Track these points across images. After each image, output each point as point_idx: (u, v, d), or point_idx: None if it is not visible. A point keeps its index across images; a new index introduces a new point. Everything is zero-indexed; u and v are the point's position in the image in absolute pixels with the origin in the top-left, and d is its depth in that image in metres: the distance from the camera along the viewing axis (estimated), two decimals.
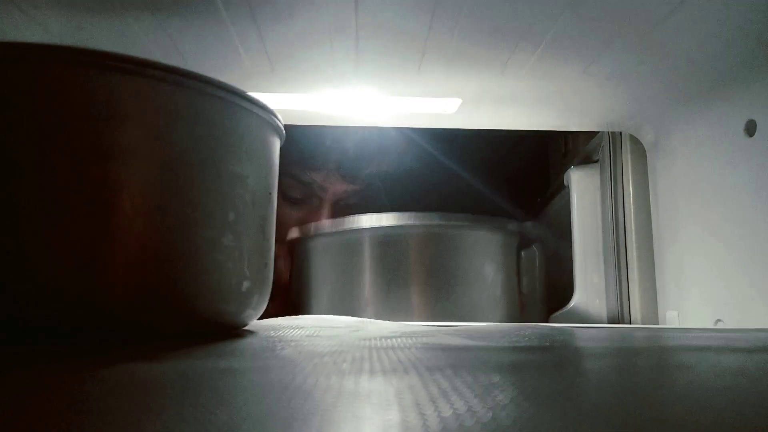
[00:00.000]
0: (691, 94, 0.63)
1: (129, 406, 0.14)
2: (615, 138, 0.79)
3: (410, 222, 0.76)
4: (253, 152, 0.34)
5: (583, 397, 0.16)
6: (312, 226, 0.80)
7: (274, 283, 0.38)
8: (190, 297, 0.30)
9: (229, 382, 0.17)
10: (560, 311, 0.82)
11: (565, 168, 0.91)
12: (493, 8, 0.48)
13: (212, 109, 0.32)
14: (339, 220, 0.77)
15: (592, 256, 0.81)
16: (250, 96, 0.33)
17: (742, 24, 0.49)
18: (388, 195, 1.01)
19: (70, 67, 0.28)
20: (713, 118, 0.61)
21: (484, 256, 0.85)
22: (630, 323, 0.74)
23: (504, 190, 1.26)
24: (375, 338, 0.31)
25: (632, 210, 0.75)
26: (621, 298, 0.76)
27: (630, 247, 0.75)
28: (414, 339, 0.30)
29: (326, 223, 0.81)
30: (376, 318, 0.63)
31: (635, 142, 0.76)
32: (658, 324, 0.71)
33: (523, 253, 1.26)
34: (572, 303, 0.81)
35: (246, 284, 0.33)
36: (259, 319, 0.41)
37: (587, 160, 0.87)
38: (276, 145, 0.38)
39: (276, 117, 0.36)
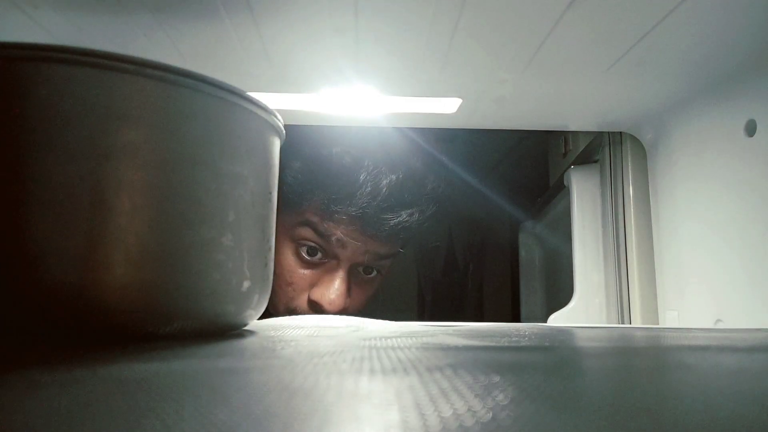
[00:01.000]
0: (691, 94, 0.63)
1: (129, 406, 0.14)
2: (615, 138, 0.79)
3: None
4: (253, 152, 0.34)
5: (583, 397, 0.16)
6: None
7: None
8: (190, 297, 0.30)
9: (229, 382, 0.17)
10: (560, 311, 0.81)
11: (565, 168, 0.91)
12: (494, 7, 0.48)
13: (212, 109, 0.32)
14: None
15: (592, 256, 0.81)
16: (250, 96, 0.33)
17: (742, 24, 0.49)
18: None
19: (70, 67, 0.28)
20: (713, 118, 0.61)
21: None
22: (630, 323, 0.74)
23: (504, 190, 1.26)
24: (375, 338, 0.31)
25: (632, 210, 0.75)
26: (621, 298, 0.76)
27: (630, 247, 0.75)
28: (414, 339, 0.30)
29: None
30: None
31: (635, 142, 0.76)
32: (658, 324, 0.71)
33: (523, 253, 1.26)
34: (572, 303, 0.81)
35: (246, 284, 0.33)
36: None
37: (587, 160, 0.87)
38: (276, 145, 0.38)
39: (276, 117, 0.36)
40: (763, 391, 0.17)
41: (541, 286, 1.23)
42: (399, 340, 0.30)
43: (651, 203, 0.74)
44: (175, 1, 0.47)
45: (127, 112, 0.29)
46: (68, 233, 0.27)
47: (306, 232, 0.75)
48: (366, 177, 0.74)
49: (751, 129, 0.55)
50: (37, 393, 0.15)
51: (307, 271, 0.77)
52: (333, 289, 0.76)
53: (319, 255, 0.76)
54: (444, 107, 0.69)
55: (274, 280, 0.39)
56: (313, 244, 0.76)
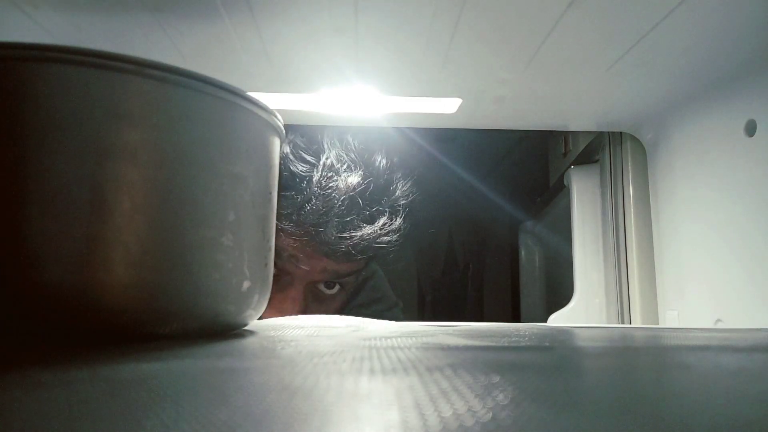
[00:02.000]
0: (691, 94, 0.63)
1: (129, 406, 0.14)
2: (615, 138, 0.79)
3: None
4: (253, 152, 0.34)
5: (583, 397, 0.16)
6: None
7: None
8: (190, 297, 0.30)
9: (229, 382, 0.17)
10: (560, 311, 0.81)
11: (565, 168, 0.91)
12: (494, 7, 0.48)
13: (212, 109, 0.32)
14: None
15: (592, 256, 0.81)
16: (250, 96, 0.33)
17: (742, 24, 0.49)
18: None
19: (70, 67, 0.28)
20: (713, 118, 0.61)
21: None
22: (630, 323, 0.74)
23: (504, 190, 1.26)
24: (375, 338, 0.31)
25: (632, 210, 0.75)
26: (621, 298, 0.76)
27: (630, 247, 0.75)
28: (414, 339, 0.30)
29: None
30: None
31: (635, 142, 0.76)
32: (658, 324, 0.71)
33: (523, 253, 1.26)
34: (572, 303, 0.81)
35: (246, 284, 0.33)
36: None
37: (587, 160, 0.87)
38: (276, 145, 0.38)
39: (276, 117, 0.36)
40: (763, 391, 0.17)
41: (541, 286, 1.23)
42: (399, 340, 0.30)
43: (651, 203, 0.74)
44: (175, 1, 0.47)
45: (127, 112, 0.29)
46: (68, 233, 0.27)
47: None
48: (316, 188, 0.63)
49: (751, 129, 0.55)
50: (37, 393, 0.15)
51: None
52: (285, 308, 0.67)
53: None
54: (444, 107, 0.69)
55: None
56: None
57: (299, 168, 0.65)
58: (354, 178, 0.65)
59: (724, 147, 0.58)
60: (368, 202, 0.66)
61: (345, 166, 0.67)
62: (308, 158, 0.66)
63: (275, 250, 0.65)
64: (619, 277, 0.76)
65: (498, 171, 1.33)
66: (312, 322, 0.50)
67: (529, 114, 0.72)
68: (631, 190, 0.76)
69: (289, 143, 0.68)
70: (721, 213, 0.59)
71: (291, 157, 0.66)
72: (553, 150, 1.05)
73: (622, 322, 0.76)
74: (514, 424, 0.12)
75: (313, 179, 0.63)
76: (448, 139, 1.12)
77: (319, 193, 0.63)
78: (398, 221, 0.70)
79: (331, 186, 0.63)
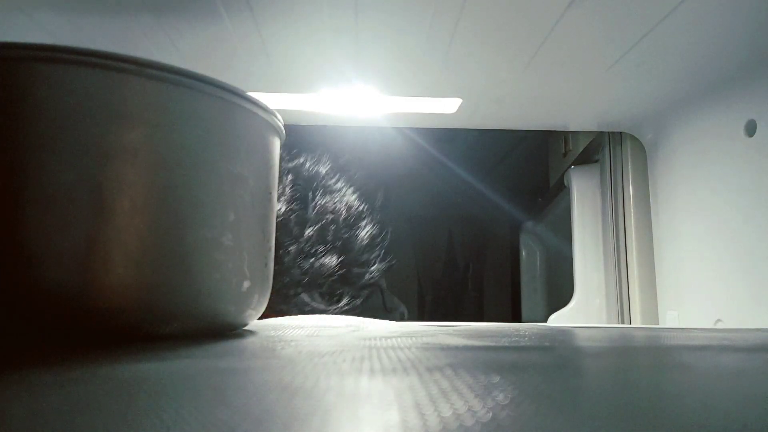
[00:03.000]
0: (691, 94, 0.63)
1: (129, 406, 0.14)
2: (615, 138, 0.79)
3: None
4: (253, 152, 0.34)
5: (583, 397, 0.16)
6: None
7: None
8: (190, 297, 0.30)
9: (229, 382, 0.17)
10: (560, 311, 0.81)
11: (565, 168, 0.91)
12: (494, 7, 0.48)
13: (212, 109, 0.32)
14: None
15: (592, 256, 0.81)
16: (250, 96, 0.33)
17: (742, 24, 0.49)
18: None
19: (71, 67, 0.28)
20: (713, 118, 0.61)
21: None
22: (630, 323, 0.74)
23: (504, 190, 1.26)
24: (375, 338, 0.31)
25: (632, 210, 0.75)
26: (621, 298, 0.76)
27: (630, 247, 0.75)
28: (414, 339, 0.30)
29: None
30: None
31: (635, 142, 0.76)
32: (658, 324, 0.71)
33: (524, 253, 1.26)
34: (572, 303, 0.81)
35: (246, 284, 0.33)
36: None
37: (587, 160, 0.87)
38: (276, 145, 0.38)
39: (276, 117, 0.36)
40: (763, 391, 0.17)
41: (541, 286, 1.24)
42: (399, 340, 0.30)
43: (651, 203, 0.74)
44: (175, 1, 0.47)
45: (127, 112, 0.29)
46: (68, 233, 0.27)
47: None
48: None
49: (751, 129, 0.55)
50: (37, 393, 0.15)
51: None
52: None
53: None
54: (444, 107, 0.69)
55: None
56: None
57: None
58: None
59: (724, 147, 0.58)
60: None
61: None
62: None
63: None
64: (619, 277, 0.76)
65: (498, 171, 1.33)
66: (312, 322, 0.50)
67: (529, 114, 0.72)
68: (631, 190, 0.76)
69: None
70: (721, 213, 0.59)
71: None
72: (553, 150, 1.05)
73: (622, 322, 0.76)
74: (514, 424, 0.12)
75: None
76: (448, 139, 1.12)
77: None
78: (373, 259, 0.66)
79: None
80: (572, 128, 0.78)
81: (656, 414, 0.13)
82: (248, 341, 0.30)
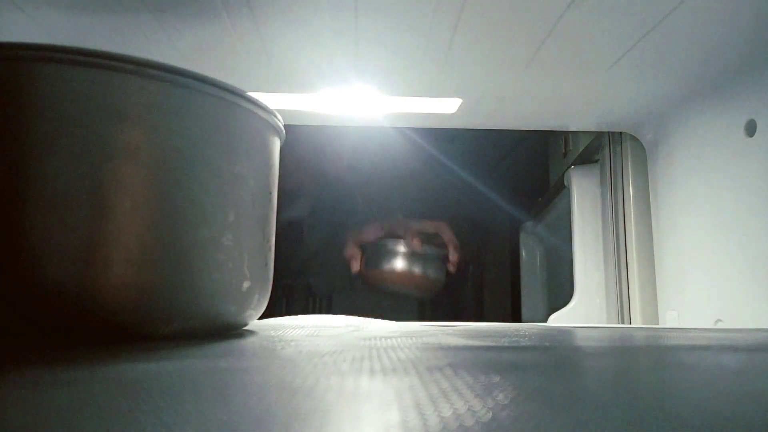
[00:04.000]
0: (691, 94, 0.63)
1: (129, 406, 0.14)
2: (615, 138, 0.79)
3: None
4: (253, 152, 0.34)
5: (584, 397, 0.16)
6: None
7: None
8: (190, 297, 0.30)
9: (230, 382, 0.17)
10: (560, 311, 0.81)
11: (565, 168, 0.91)
12: (494, 8, 0.48)
13: (212, 109, 0.32)
14: None
15: (592, 256, 0.81)
16: (250, 96, 0.33)
17: (742, 24, 0.49)
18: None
19: (70, 67, 0.28)
20: (713, 118, 0.61)
21: None
22: (630, 323, 0.74)
23: (504, 190, 1.26)
24: (375, 338, 0.31)
25: (632, 210, 0.75)
26: (621, 298, 0.76)
27: (630, 247, 0.75)
28: (414, 339, 0.30)
29: None
30: None
31: (635, 142, 0.76)
32: (658, 324, 0.71)
33: (524, 253, 1.26)
34: (572, 303, 0.81)
35: (246, 284, 0.33)
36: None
37: (587, 160, 0.87)
38: (276, 145, 0.38)
39: (276, 117, 0.36)
40: (763, 391, 0.17)
41: (541, 286, 1.24)
42: (399, 340, 0.30)
43: (651, 203, 0.74)
44: (175, 1, 0.47)
45: (127, 112, 0.29)
46: (68, 233, 0.27)
47: None
48: None
49: (751, 129, 0.55)
50: (37, 392, 0.15)
51: None
52: None
53: None
54: (444, 107, 0.69)
55: None
56: None
57: None
58: None
59: (724, 147, 0.58)
60: None
61: None
62: None
63: None
64: (619, 277, 0.76)
65: (498, 171, 1.33)
66: (312, 322, 0.50)
67: (529, 114, 0.72)
68: (631, 190, 0.76)
69: None
70: (721, 213, 0.59)
71: None
72: (553, 150, 1.05)
73: (622, 322, 0.76)
74: (514, 424, 0.12)
75: None
76: (449, 139, 1.12)
77: None
78: None
79: None
80: (572, 128, 0.78)
81: (656, 414, 0.13)
82: (248, 341, 0.30)
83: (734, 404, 0.15)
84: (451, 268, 1.00)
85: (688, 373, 0.21)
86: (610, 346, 0.30)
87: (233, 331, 0.35)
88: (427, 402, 0.14)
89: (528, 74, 0.60)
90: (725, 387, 0.17)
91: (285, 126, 0.39)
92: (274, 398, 0.14)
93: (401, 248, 1.00)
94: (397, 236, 0.98)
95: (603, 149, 0.81)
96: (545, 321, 0.82)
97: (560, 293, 0.98)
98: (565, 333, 0.38)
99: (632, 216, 0.75)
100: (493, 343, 0.29)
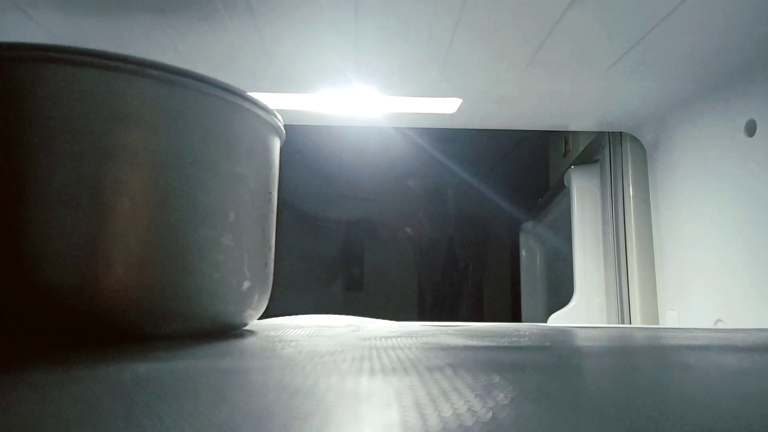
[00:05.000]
0: (692, 94, 0.63)
1: (129, 406, 0.14)
2: (615, 138, 0.79)
3: None
4: (253, 152, 0.34)
5: (583, 397, 0.16)
6: None
7: None
8: (190, 297, 0.30)
9: (230, 382, 0.17)
10: (560, 311, 0.81)
11: (565, 168, 0.91)
12: (494, 8, 0.48)
13: (212, 109, 0.32)
14: None
15: (592, 256, 0.81)
16: (250, 96, 0.33)
17: (742, 24, 0.49)
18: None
19: (71, 67, 0.28)
20: (713, 118, 0.61)
21: None
22: (630, 323, 0.74)
23: (504, 190, 1.26)
24: (375, 338, 0.31)
25: (632, 210, 0.75)
26: (621, 298, 0.76)
27: (630, 247, 0.75)
28: (414, 339, 0.30)
29: None
30: None
31: (635, 142, 0.76)
32: (658, 324, 0.71)
33: (524, 253, 1.26)
34: (572, 303, 0.81)
35: (246, 284, 0.33)
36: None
37: (587, 160, 0.87)
38: (276, 145, 0.38)
39: (276, 117, 0.36)
40: (763, 391, 0.17)
41: (541, 286, 1.23)
42: (399, 340, 0.30)
43: (651, 203, 0.74)
44: (175, 1, 0.47)
45: (127, 112, 0.29)
46: (68, 234, 0.27)
47: None
48: None
49: (751, 129, 0.55)
50: (37, 393, 0.15)
51: None
52: None
53: None
54: (444, 107, 0.69)
55: None
56: None
57: None
58: None
59: (724, 147, 0.58)
60: None
61: None
62: None
63: None
64: (619, 277, 0.76)
65: (498, 171, 1.33)
66: (312, 322, 0.50)
67: (529, 114, 0.72)
68: (631, 190, 0.76)
69: None
70: (721, 213, 0.59)
71: None
72: (553, 150, 1.05)
73: (622, 322, 0.76)
74: (514, 424, 0.12)
75: None
76: (449, 139, 1.12)
77: None
78: None
79: None
80: (572, 128, 0.78)
81: (656, 414, 0.13)
82: (248, 341, 0.30)
83: (734, 404, 0.15)
84: None
85: (688, 373, 0.21)
86: (610, 346, 0.30)
87: (233, 331, 0.35)
88: (427, 402, 0.14)
89: (528, 75, 0.60)
90: (725, 387, 0.17)
91: (285, 126, 0.39)
92: (274, 398, 0.14)
93: None
94: None
95: (603, 149, 0.81)
96: (545, 321, 0.82)
97: (560, 293, 0.98)
98: (565, 333, 0.38)
99: (632, 216, 0.75)
100: (493, 343, 0.29)
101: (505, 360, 0.23)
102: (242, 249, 0.33)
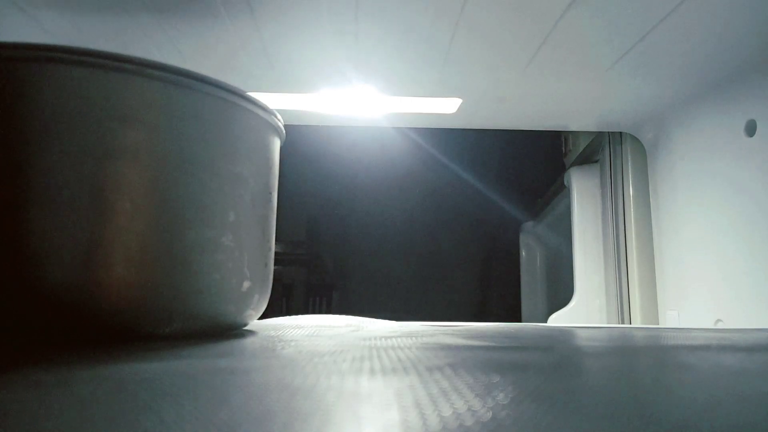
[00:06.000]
0: (691, 94, 0.63)
1: (129, 405, 0.14)
2: (615, 138, 0.79)
3: None
4: (253, 152, 0.34)
5: (583, 397, 0.16)
6: None
7: None
8: (190, 297, 0.30)
9: (230, 382, 0.17)
10: (560, 311, 0.81)
11: (565, 168, 0.91)
12: (494, 8, 0.48)
13: (212, 109, 0.32)
14: None
15: (592, 256, 0.81)
16: (250, 96, 0.33)
17: (742, 25, 0.49)
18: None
19: (71, 67, 0.28)
20: (713, 118, 0.61)
21: None
22: (630, 323, 0.74)
23: (504, 190, 1.26)
24: (375, 338, 0.31)
25: (632, 210, 0.75)
26: (621, 298, 0.76)
27: (630, 247, 0.75)
28: (414, 339, 0.30)
29: None
30: None
31: (635, 142, 0.76)
32: (658, 324, 0.71)
33: (524, 253, 1.26)
34: (572, 303, 0.81)
35: (246, 284, 0.33)
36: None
37: (587, 160, 0.87)
38: (276, 145, 0.38)
39: (276, 117, 0.36)
40: (763, 391, 0.17)
41: (541, 286, 1.24)
42: (399, 340, 0.30)
43: (651, 203, 0.74)
44: (175, 1, 0.47)
45: (127, 112, 0.29)
46: (69, 233, 0.27)
47: None
48: None
49: (751, 129, 0.55)
50: (37, 393, 0.15)
51: None
52: None
53: None
54: (444, 107, 0.69)
55: None
56: None
57: None
58: None
59: (724, 147, 0.58)
60: None
61: None
62: None
63: None
64: (619, 277, 0.76)
65: (498, 171, 1.33)
66: (312, 322, 0.50)
67: (529, 114, 0.72)
68: (631, 190, 0.76)
69: None
70: (721, 213, 0.59)
71: None
72: (553, 150, 1.05)
73: (622, 322, 0.76)
74: (514, 424, 0.12)
75: None
76: (449, 139, 1.12)
77: None
78: None
79: None
80: (572, 128, 0.78)
81: (657, 414, 0.13)
82: (248, 341, 0.30)
83: (734, 404, 0.15)
84: None
85: (689, 373, 0.21)
86: (610, 346, 0.30)
87: (233, 331, 0.35)
88: (427, 402, 0.14)
89: (528, 75, 0.60)
90: (725, 387, 0.17)
91: (285, 126, 0.39)
92: (274, 398, 0.14)
93: None
94: None
95: (603, 149, 0.81)
96: (545, 321, 0.82)
97: (560, 293, 0.98)
98: (565, 333, 0.38)
99: (632, 216, 0.75)
100: (493, 343, 0.29)
101: (505, 360, 0.23)
102: (242, 249, 0.33)
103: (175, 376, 0.18)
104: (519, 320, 1.27)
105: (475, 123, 0.75)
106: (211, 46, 0.54)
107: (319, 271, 1.42)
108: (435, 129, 0.84)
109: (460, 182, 1.15)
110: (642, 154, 0.76)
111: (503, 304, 1.46)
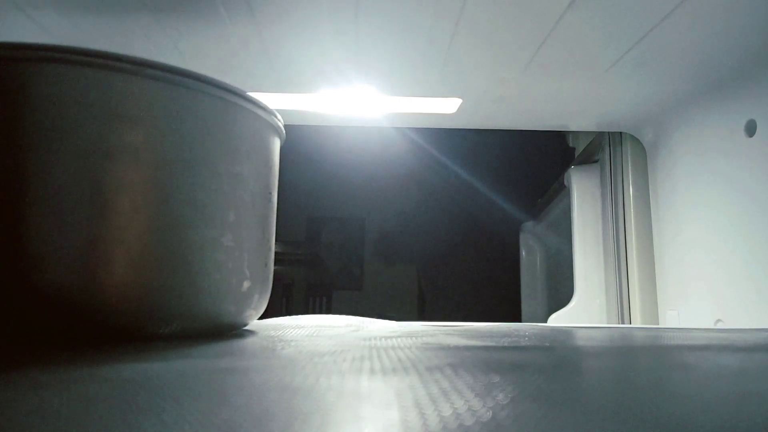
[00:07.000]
0: (691, 94, 0.63)
1: (129, 406, 0.14)
2: (615, 138, 0.79)
3: None
4: (253, 152, 0.34)
5: (584, 397, 0.16)
6: None
7: None
8: (190, 297, 0.30)
9: (230, 382, 0.17)
10: (560, 311, 0.81)
11: (565, 168, 0.91)
12: (494, 8, 0.48)
13: (212, 109, 0.32)
14: None
15: (593, 256, 0.81)
16: (250, 96, 0.33)
17: (742, 25, 0.49)
18: None
19: (71, 67, 0.28)
20: (713, 118, 0.61)
21: None
22: (630, 323, 0.74)
23: (504, 190, 1.26)
24: (375, 338, 0.31)
25: (632, 210, 0.75)
26: (621, 298, 0.76)
27: (630, 247, 0.75)
28: (414, 339, 0.30)
29: None
30: None
31: (635, 142, 0.76)
32: (658, 324, 0.71)
33: (524, 253, 1.26)
34: (572, 303, 0.81)
35: (246, 284, 0.33)
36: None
37: (587, 160, 0.87)
38: (276, 145, 0.38)
39: (276, 117, 0.36)
40: (763, 391, 0.17)
41: (541, 286, 1.23)
42: (399, 340, 0.30)
43: (651, 203, 0.74)
44: (175, 1, 0.47)
45: (127, 112, 0.29)
46: (69, 233, 0.27)
47: None
48: None
49: (751, 129, 0.55)
50: (37, 393, 0.15)
51: None
52: None
53: None
54: (444, 107, 0.69)
55: None
56: None
57: None
58: None
59: (724, 147, 0.58)
60: None
61: None
62: None
63: None
64: (619, 277, 0.76)
65: (498, 171, 1.33)
66: (312, 322, 0.50)
67: (529, 114, 0.72)
68: (631, 190, 0.76)
69: None
70: (721, 213, 0.59)
71: None
72: (553, 150, 1.05)
73: (622, 322, 0.76)
74: (514, 424, 0.12)
75: None
76: (449, 139, 1.12)
77: None
78: None
79: None
80: (572, 128, 0.78)
81: (656, 414, 0.13)
82: (248, 341, 0.30)
83: (734, 404, 0.15)
84: None
85: (689, 373, 0.21)
86: (610, 346, 0.30)
87: (233, 331, 0.35)
88: (427, 402, 0.14)
89: (528, 75, 0.60)
90: (725, 387, 0.17)
91: (285, 126, 0.39)
92: (274, 398, 0.14)
93: None
94: None
95: (603, 149, 0.81)
96: (545, 321, 0.82)
97: (560, 293, 0.98)
98: (565, 333, 0.38)
99: (632, 216, 0.75)
100: (493, 343, 0.29)
101: (505, 360, 0.23)
102: (242, 249, 0.33)
103: (175, 376, 0.18)
104: (519, 320, 1.27)
105: (475, 123, 0.75)
106: (211, 46, 0.54)
107: (319, 271, 1.42)
108: (435, 129, 0.84)
109: (460, 182, 1.15)
110: (642, 154, 0.76)
111: (503, 304, 1.46)
